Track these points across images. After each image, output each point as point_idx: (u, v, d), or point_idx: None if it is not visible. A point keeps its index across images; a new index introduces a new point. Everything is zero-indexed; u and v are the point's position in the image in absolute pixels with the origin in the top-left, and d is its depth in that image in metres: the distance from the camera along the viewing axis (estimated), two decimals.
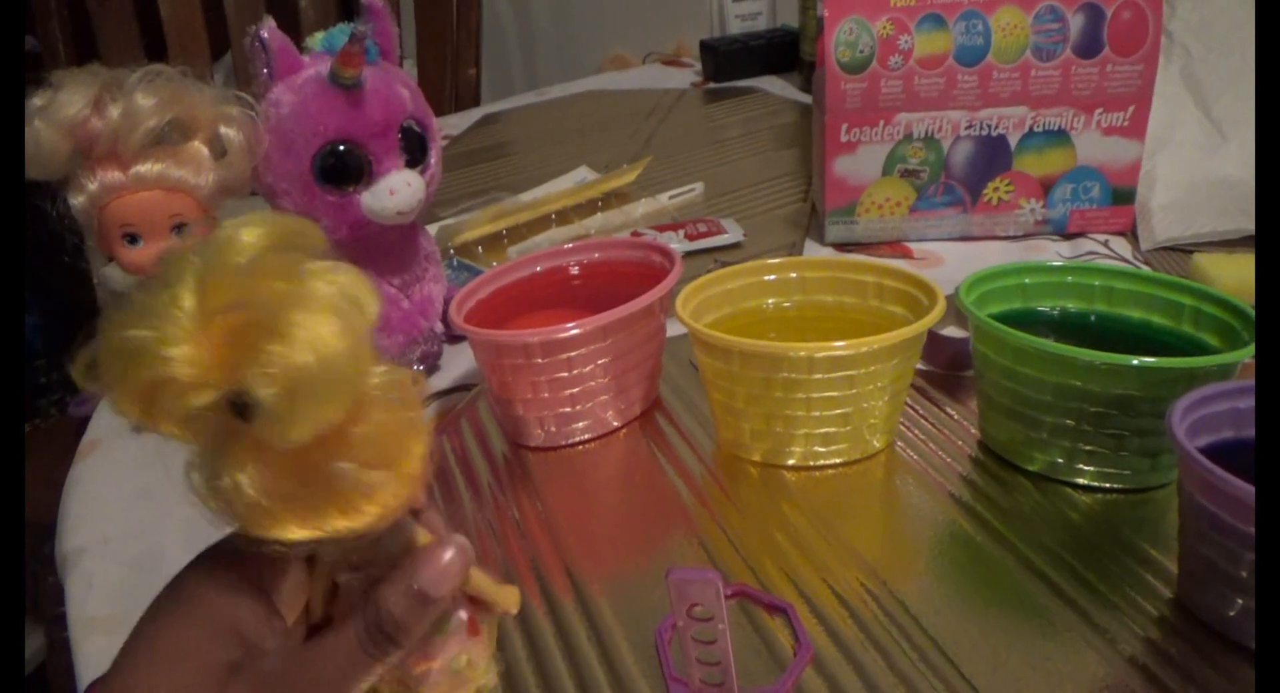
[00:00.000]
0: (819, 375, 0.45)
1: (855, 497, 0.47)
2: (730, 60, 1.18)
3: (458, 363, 0.61)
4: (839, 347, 0.44)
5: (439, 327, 0.62)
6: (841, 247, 0.73)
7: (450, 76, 1.35)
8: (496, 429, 0.55)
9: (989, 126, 0.68)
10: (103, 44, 1.42)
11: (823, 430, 0.47)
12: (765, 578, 0.42)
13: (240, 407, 0.21)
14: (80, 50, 1.40)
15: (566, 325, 0.48)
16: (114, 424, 0.58)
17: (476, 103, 1.42)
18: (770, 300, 0.53)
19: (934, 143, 0.69)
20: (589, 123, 1.10)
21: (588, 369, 0.49)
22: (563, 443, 0.52)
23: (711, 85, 1.19)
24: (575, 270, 0.56)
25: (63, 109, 0.48)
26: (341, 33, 0.54)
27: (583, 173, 0.89)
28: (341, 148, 0.53)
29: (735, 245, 0.74)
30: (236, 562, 0.25)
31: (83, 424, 1.25)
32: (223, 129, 0.52)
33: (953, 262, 0.69)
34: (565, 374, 0.49)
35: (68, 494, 0.53)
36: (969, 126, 0.69)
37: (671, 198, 0.82)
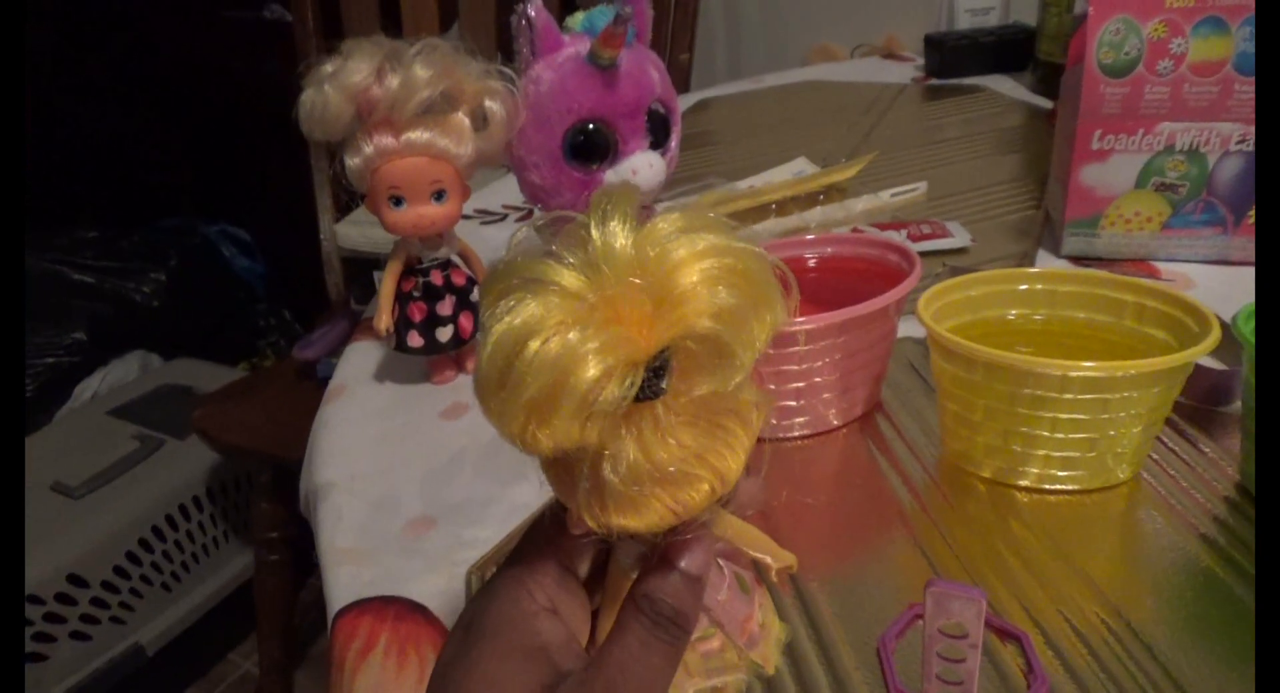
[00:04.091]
0: (1070, 396, 0.43)
1: (1094, 526, 0.44)
2: (956, 56, 1.13)
3: None
4: (1098, 367, 0.41)
5: None
6: (1079, 260, 0.69)
7: (664, 60, 1.36)
8: None
9: None
10: (345, 15, 1.52)
11: (1065, 454, 0.45)
12: (994, 598, 0.40)
13: (652, 376, 0.21)
14: (327, 20, 1.50)
15: (800, 318, 0.47)
16: (359, 373, 0.63)
17: (687, 88, 1.43)
18: (1014, 311, 0.50)
19: (1198, 156, 0.64)
20: (806, 113, 1.09)
21: (817, 365, 0.49)
22: (781, 436, 0.52)
23: (934, 82, 1.15)
24: (810, 263, 0.56)
25: (350, 76, 0.52)
26: (603, 14, 0.55)
27: (801, 164, 0.88)
28: (591, 126, 0.55)
29: (962, 250, 0.71)
30: (532, 587, 0.25)
31: (304, 367, 1.35)
32: (487, 102, 0.54)
33: (1206, 286, 0.64)
34: (793, 367, 0.49)
35: (316, 433, 0.58)
36: (1241, 141, 0.63)
37: (893, 196, 0.80)
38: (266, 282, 2.15)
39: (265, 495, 1.26)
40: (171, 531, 1.39)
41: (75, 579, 1.25)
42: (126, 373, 1.74)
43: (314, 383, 1.33)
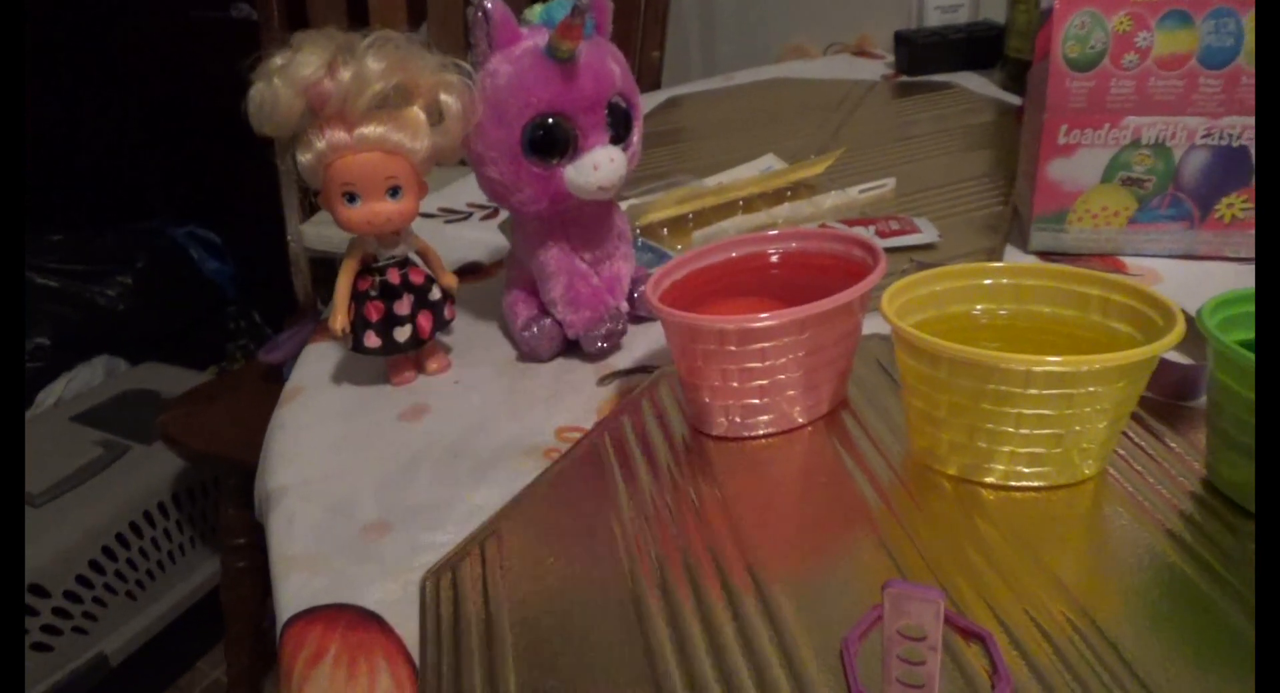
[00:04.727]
0: (1035, 391, 0.42)
1: (1060, 523, 0.44)
2: (927, 54, 1.13)
3: (640, 344, 0.61)
4: (1062, 362, 0.41)
5: (624, 306, 0.62)
6: (1046, 256, 0.68)
7: (635, 58, 1.35)
8: (678, 413, 0.54)
9: (1230, 136, 0.62)
10: (313, 13, 1.50)
11: (1030, 450, 0.44)
12: (958, 597, 0.40)
13: None
14: (293, 19, 1.48)
15: (763, 315, 0.47)
16: (317, 374, 0.61)
17: (658, 85, 1.42)
18: (979, 306, 0.50)
19: (1164, 150, 0.64)
20: (776, 111, 1.08)
21: (780, 361, 0.48)
22: (745, 434, 0.51)
23: (904, 79, 1.14)
24: (773, 259, 0.55)
25: (300, 69, 0.50)
26: (561, 6, 0.54)
27: (770, 161, 0.87)
28: (550, 120, 0.54)
29: (929, 246, 0.71)
30: None
31: (271, 370, 1.33)
32: (442, 96, 0.53)
33: (1174, 281, 0.64)
34: (757, 365, 0.48)
35: (271, 436, 0.56)
36: (1206, 135, 0.63)
37: (862, 192, 0.79)
38: (236, 284, 2.12)
39: (232, 501, 1.23)
40: (136, 538, 1.36)
41: (36, 589, 1.22)
42: (91, 378, 1.71)
43: (281, 387, 1.31)
